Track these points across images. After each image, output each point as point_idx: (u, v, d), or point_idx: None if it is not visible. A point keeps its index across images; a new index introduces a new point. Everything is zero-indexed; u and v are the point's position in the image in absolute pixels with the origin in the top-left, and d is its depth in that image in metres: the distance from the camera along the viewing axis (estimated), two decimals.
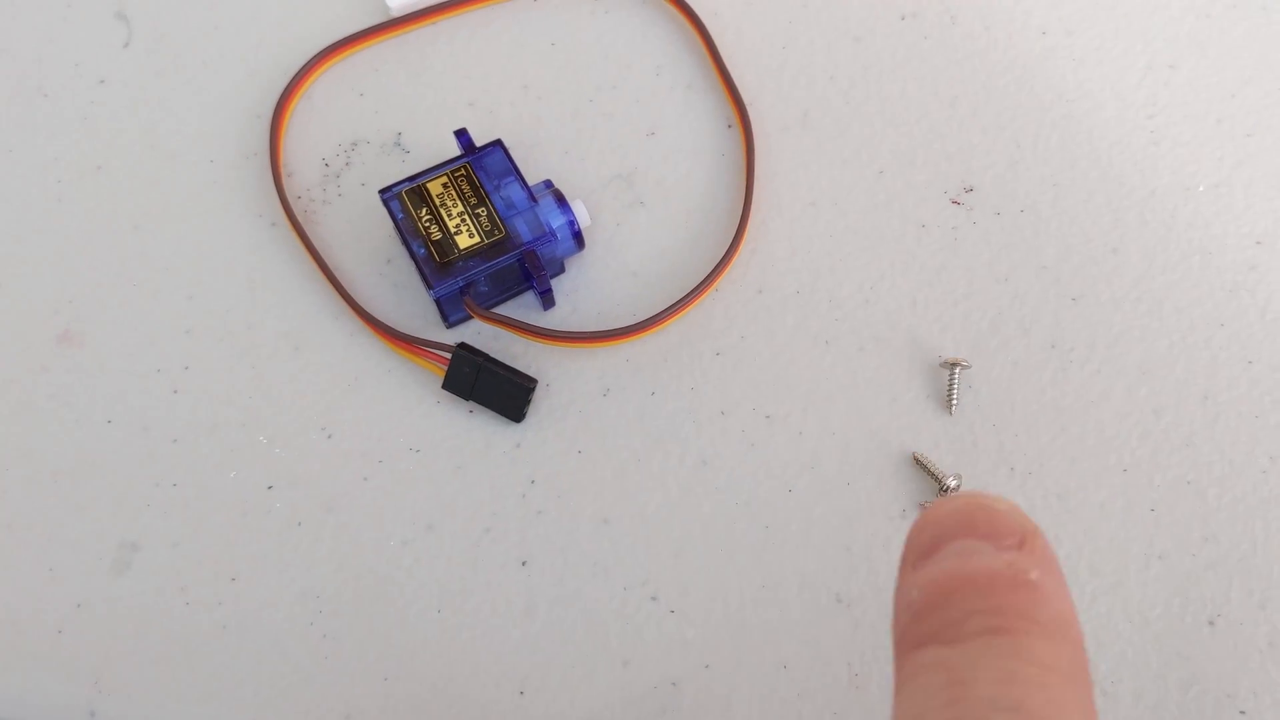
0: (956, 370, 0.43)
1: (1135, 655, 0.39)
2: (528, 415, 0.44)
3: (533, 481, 0.43)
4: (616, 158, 0.48)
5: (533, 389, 0.44)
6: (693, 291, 0.44)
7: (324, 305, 0.46)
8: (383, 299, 0.46)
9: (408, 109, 0.50)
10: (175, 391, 0.45)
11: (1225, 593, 0.39)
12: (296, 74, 0.50)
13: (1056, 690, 0.23)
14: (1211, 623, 0.39)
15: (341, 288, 0.46)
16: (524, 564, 0.41)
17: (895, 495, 0.42)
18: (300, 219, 0.48)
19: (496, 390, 0.44)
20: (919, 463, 0.42)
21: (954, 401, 0.43)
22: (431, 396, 0.44)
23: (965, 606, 0.24)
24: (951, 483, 0.41)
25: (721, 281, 0.45)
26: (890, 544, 0.41)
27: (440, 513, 0.42)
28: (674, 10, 0.51)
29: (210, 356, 0.45)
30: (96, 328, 0.46)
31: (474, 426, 0.44)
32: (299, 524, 0.42)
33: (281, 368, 0.45)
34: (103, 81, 0.51)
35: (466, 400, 0.44)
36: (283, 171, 0.49)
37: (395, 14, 0.51)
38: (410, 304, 0.46)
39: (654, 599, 0.41)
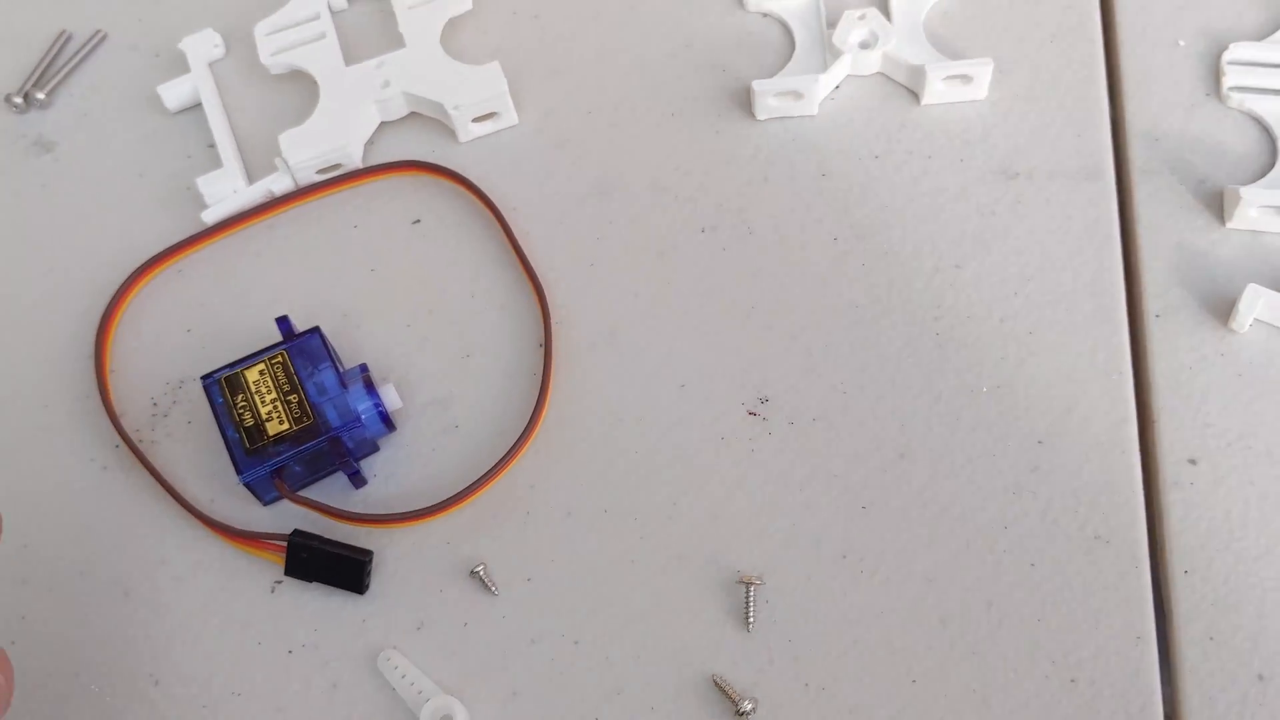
0: (751, 588, 0.44)
1: None
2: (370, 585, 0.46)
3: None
4: (433, 382, 0.50)
5: (368, 560, 0.46)
6: (486, 475, 0.47)
7: (160, 529, 0.48)
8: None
9: (229, 327, 0.51)
10: (12, 643, 0.46)
11: None
12: (116, 292, 0.52)
13: None
14: None
15: (176, 493, 0.48)
16: None
17: (697, 719, 0.43)
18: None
19: (335, 568, 0.46)
20: (718, 685, 0.43)
21: (751, 619, 0.44)
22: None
23: None
24: (747, 706, 0.42)
25: (535, 506, 0.47)
26: None
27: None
28: (490, 231, 0.53)
29: (43, 605, 0.47)
30: None
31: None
32: None
33: (113, 611, 0.46)
34: None
35: (310, 582, 0.46)
36: (115, 404, 0.50)
37: (209, 223, 0.53)
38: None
39: None
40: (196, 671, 0.46)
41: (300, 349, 0.48)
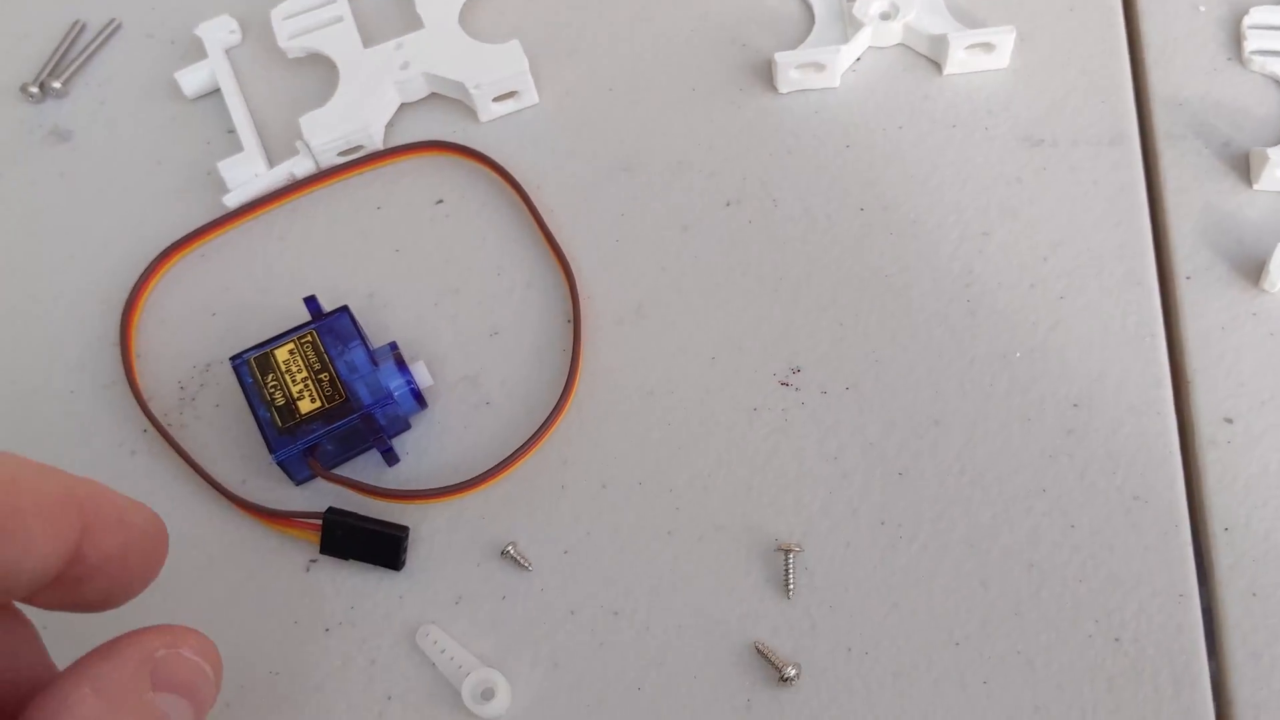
0: (790, 556, 0.44)
1: None
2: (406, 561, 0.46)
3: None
4: (463, 359, 0.50)
5: (405, 536, 0.45)
6: (519, 449, 0.47)
7: (193, 512, 0.48)
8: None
9: (254, 310, 0.51)
10: (44, 628, 0.46)
11: None
12: (139, 277, 0.52)
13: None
14: None
15: (208, 476, 0.48)
16: None
17: (740, 686, 0.43)
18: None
19: (371, 545, 0.45)
20: (760, 652, 0.43)
21: (791, 586, 0.44)
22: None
23: None
24: (790, 671, 0.42)
25: (569, 480, 0.47)
26: None
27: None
28: (514, 210, 0.53)
29: None
30: None
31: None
32: None
33: (144, 598, 0.46)
34: None
35: (345, 559, 0.46)
36: (143, 388, 0.50)
37: (231, 207, 0.53)
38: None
39: None
40: (233, 652, 0.45)
41: (329, 328, 0.48)
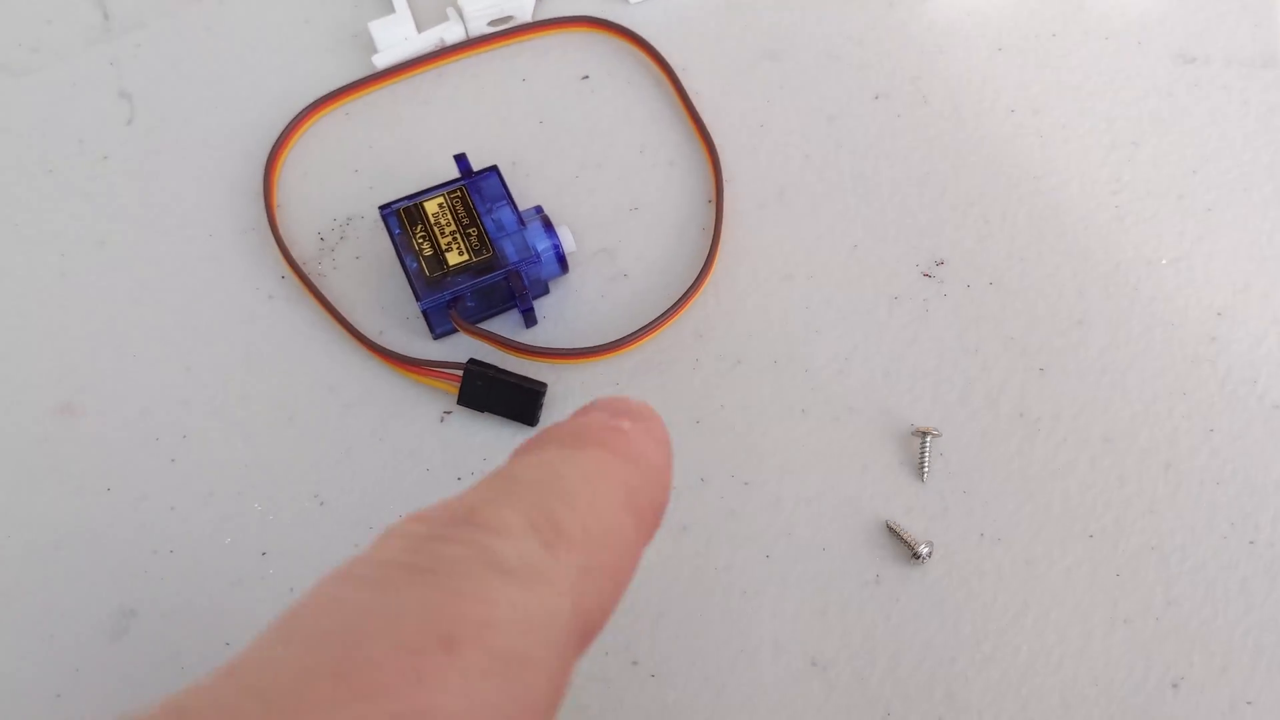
0: (928, 439, 0.44)
1: (1101, 718, 0.40)
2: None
3: None
4: (600, 232, 0.50)
5: (543, 392, 0.46)
6: (658, 319, 0.47)
7: (329, 358, 0.48)
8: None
9: (396, 169, 0.52)
10: (173, 460, 0.47)
11: (1188, 656, 0.41)
12: (285, 129, 0.52)
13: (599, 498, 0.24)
14: (1175, 686, 0.40)
15: (347, 322, 0.48)
16: None
17: (869, 561, 0.43)
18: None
19: (509, 398, 0.46)
20: (892, 530, 0.43)
21: (926, 469, 0.44)
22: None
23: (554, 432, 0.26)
24: (924, 549, 0.42)
25: (703, 355, 0.47)
26: (865, 609, 0.42)
27: None
28: (659, 90, 0.53)
29: (207, 425, 0.47)
30: (96, 398, 0.48)
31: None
32: (290, 590, 0.44)
33: (278, 434, 0.47)
34: (105, 158, 0.53)
35: (481, 412, 0.46)
36: (282, 235, 0.50)
37: (380, 67, 0.53)
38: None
39: (635, 663, 0.42)
40: (364, 493, 0.46)
41: (477, 186, 0.48)
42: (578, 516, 0.23)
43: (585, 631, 0.22)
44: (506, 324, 0.49)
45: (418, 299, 0.46)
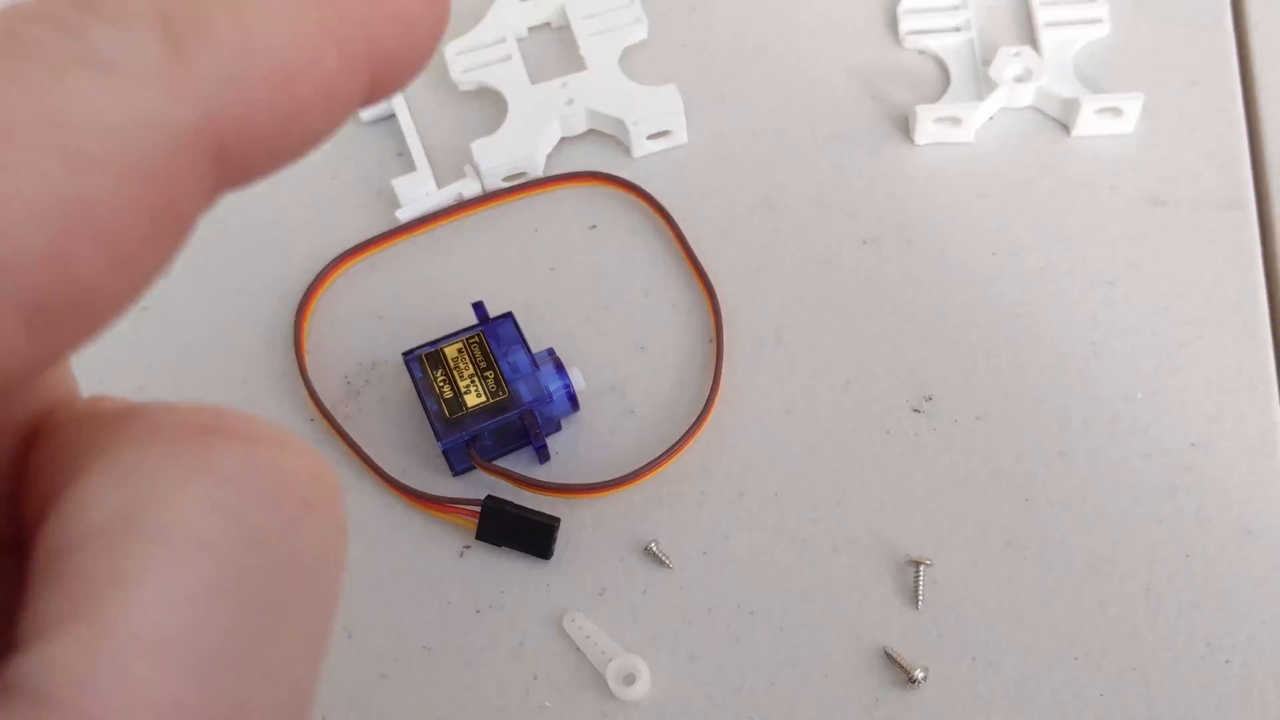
0: (921, 569, 0.47)
1: None
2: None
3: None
4: (609, 370, 0.53)
5: (557, 526, 0.49)
6: (664, 454, 0.50)
7: (355, 496, 0.51)
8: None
9: (418, 316, 0.55)
10: None
11: None
12: (314, 279, 0.56)
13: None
14: None
15: (372, 462, 0.51)
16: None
17: (868, 686, 0.46)
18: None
19: (525, 533, 0.49)
20: (889, 656, 0.46)
21: (920, 597, 0.47)
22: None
23: None
24: (919, 674, 0.45)
25: (708, 487, 0.50)
26: None
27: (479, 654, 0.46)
28: (662, 237, 0.56)
29: None
30: None
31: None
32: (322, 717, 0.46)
33: None
34: (144, 309, 0.57)
35: (499, 546, 0.49)
36: (311, 380, 0.54)
37: (403, 220, 0.57)
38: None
39: None
40: (389, 627, 0.49)
41: (494, 332, 0.52)
42: (237, 19, 0.18)
43: (224, 151, 0.18)
44: (521, 460, 0.52)
45: (438, 439, 0.49)
